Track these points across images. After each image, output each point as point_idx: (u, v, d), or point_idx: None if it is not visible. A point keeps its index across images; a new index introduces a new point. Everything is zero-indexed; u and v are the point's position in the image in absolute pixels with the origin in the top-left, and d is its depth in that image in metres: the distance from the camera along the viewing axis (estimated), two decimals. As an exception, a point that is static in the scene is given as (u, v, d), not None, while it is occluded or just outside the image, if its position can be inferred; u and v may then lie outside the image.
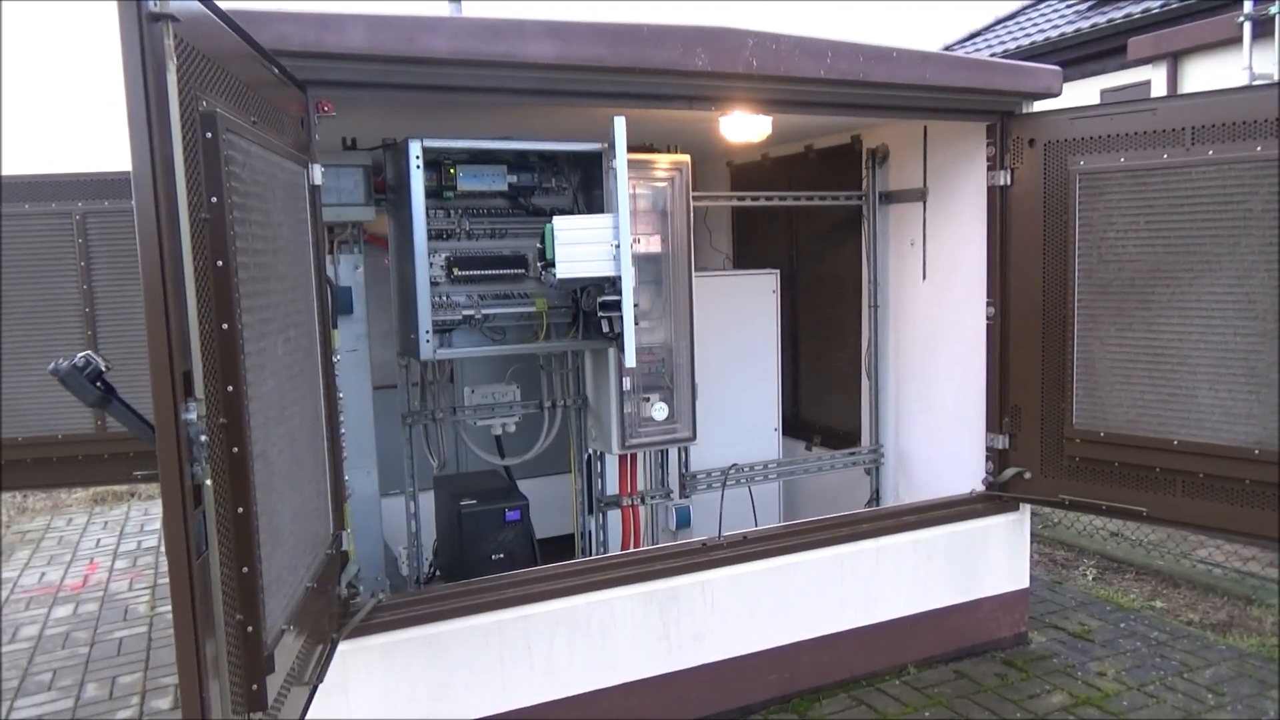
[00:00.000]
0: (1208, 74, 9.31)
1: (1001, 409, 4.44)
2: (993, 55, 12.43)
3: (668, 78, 3.62)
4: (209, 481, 1.81)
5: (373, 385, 4.11)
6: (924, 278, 4.99)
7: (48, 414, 4.96)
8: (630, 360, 3.62)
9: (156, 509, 7.80)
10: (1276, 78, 6.70)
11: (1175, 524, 4.12)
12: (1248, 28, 6.90)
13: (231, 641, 1.97)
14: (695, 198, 4.51)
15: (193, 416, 1.77)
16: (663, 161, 4.32)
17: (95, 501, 8.28)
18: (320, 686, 2.86)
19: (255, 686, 2.04)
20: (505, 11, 3.38)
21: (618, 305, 3.65)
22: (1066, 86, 4.45)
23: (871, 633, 4.36)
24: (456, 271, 4.00)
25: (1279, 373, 3.52)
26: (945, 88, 4.09)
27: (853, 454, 5.34)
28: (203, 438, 1.78)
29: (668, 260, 4.37)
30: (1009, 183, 4.31)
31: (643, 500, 4.74)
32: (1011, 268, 4.34)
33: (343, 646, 3.26)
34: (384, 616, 3.40)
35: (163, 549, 6.49)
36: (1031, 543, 4.91)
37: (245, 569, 2.02)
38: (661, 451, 4.78)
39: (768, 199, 5.18)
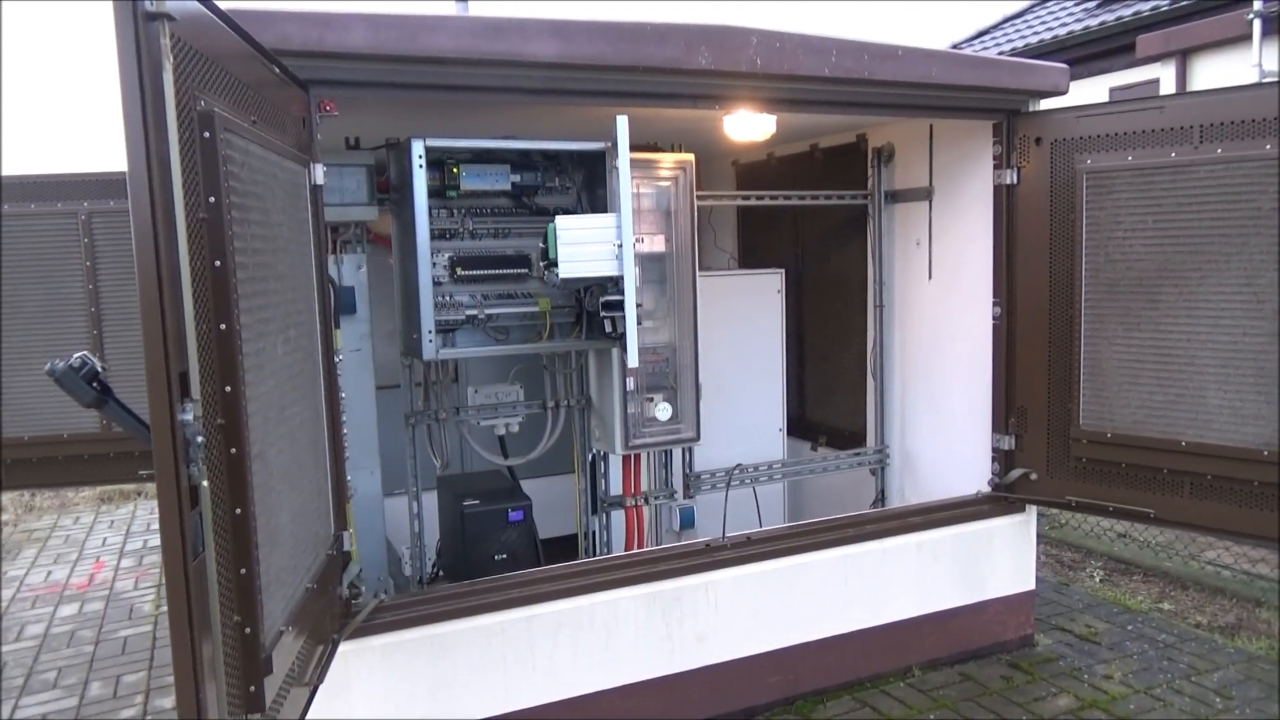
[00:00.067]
0: (1217, 72, 9.25)
1: (1008, 409, 4.41)
2: (1000, 54, 12.38)
3: (671, 76, 3.60)
4: (205, 483, 1.80)
5: (377, 385, 4.10)
6: (930, 277, 4.96)
7: (53, 413, 4.97)
8: (633, 360, 3.60)
9: (163, 508, 7.80)
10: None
11: (1183, 526, 4.09)
12: (1257, 25, 6.86)
13: (229, 643, 1.96)
14: (699, 197, 4.49)
15: (189, 417, 1.76)
16: (666, 161, 4.31)
17: (102, 500, 8.30)
18: (322, 687, 2.86)
19: (253, 688, 2.04)
20: (510, 10, 3.37)
21: (620, 305, 3.64)
22: (1075, 85, 4.41)
23: (876, 634, 4.34)
24: (460, 271, 3.99)
25: (1288, 373, 3.49)
26: (951, 86, 4.06)
27: (858, 454, 5.32)
28: (199, 439, 1.77)
29: (672, 260, 4.36)
30: (1015, 181, 4.28)
31: (646, 501, 4.73)
32: (1018, 267, 4.31)
33: (344, 647, 3.25)
34: (386, 617, 3.39)
35: (168, 548, 6.49)
36: (1038, 544, 4.88)
37: (243, 570, 2.02)
38: (665, 452, 4.77)
39: (772, 198, 5.16)
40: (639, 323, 3.74)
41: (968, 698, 4.24)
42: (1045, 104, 4.34)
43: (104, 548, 6.99)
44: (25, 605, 5.83)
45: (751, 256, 6.37)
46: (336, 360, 3.29)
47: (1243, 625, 4.99)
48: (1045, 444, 4.30)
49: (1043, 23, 13.19)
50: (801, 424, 5.98)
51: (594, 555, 4.71)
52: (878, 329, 5.25)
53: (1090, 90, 10.90)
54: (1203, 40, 9.34)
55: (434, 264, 3.90)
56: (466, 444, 4.67)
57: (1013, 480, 4.43)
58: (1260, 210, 3.51)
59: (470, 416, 4.51)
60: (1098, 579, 5.72)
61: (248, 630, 2.02)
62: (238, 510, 2.01)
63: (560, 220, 3.60)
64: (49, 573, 6.44)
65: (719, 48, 3.60)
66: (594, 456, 4.73)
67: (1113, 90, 10.96)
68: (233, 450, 2.00)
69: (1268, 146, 3.46)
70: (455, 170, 3.95)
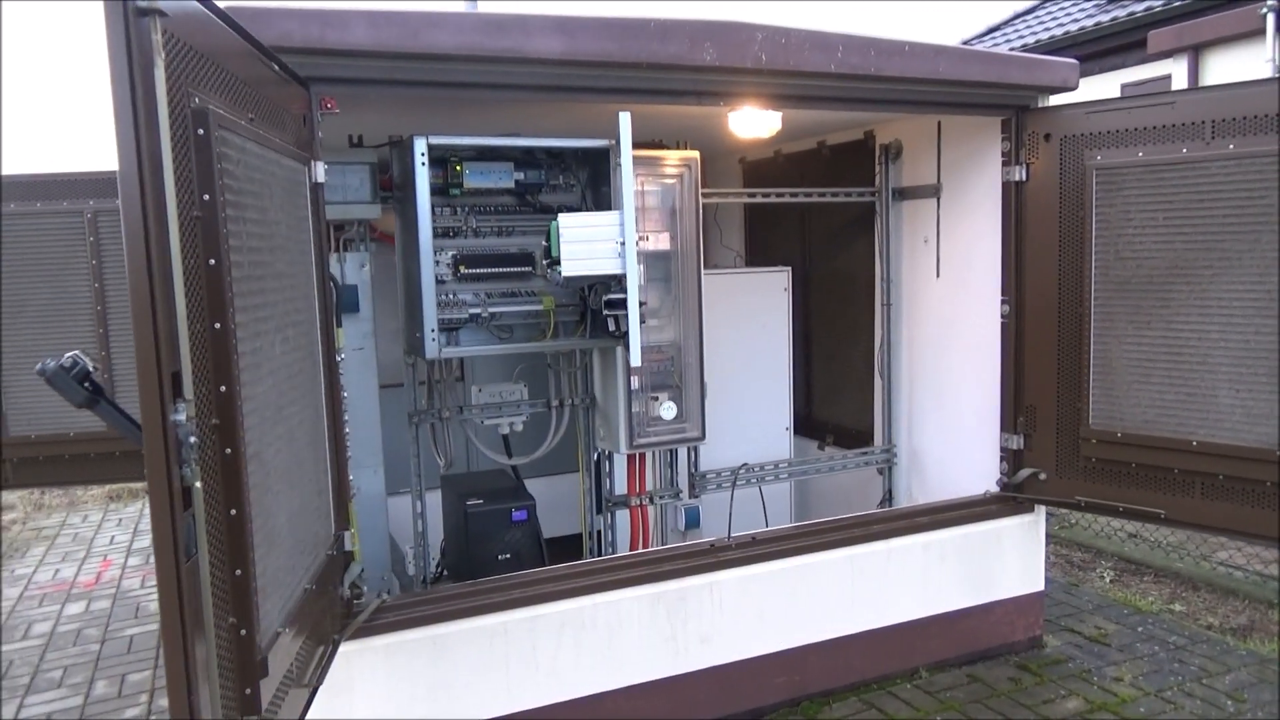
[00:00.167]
0: (1230, 67, 9.16)
1: (1016, 408, 4.36)
2: (1011, 50, 12.29)
3: (675, 73, 3.57)
4: (198, 484, 1.78)
5: (381, 384, 4.08)
6: (938, 275, 4.92)
7: (59, 412, 4.97)
8: (635, 359, 3.57)
9: (170, 506, 7.82)
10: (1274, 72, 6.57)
11: (1194, 527, 4.04)
12: (1271, 19, 6.78)
13: (224, 645, 1.95)
14: (705, 194, 4.46)
15: (182, 418, 1.74)
16: (671, 158, 4.28)
17: (111, 498, 8.32)
18: (324, 687, 2.84)
19: (249, 690, 2.02)
20: (515, 7, 3.35)
21: (623, 303, 3.61)
22: (1086, 81, 4.36)
23: (882, 635, 4.31)
24: (463, 269, 3.97)
25: (1301, 372, 3.44)
26: (959, 82, 4.02)
27: (865, 454, 5.28)
28: (192, 439, 1.76)
29: (676, 258, 4.33)
30: (1024, 178, 4.23)
31: (651, 500, 4.70)
32: (1027, 265, 4.26)
33: (346, 647, 3.24)
34: (388, 617, 3.38)
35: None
36: (1048, 544, 4.83)
37: (238, 571, 2.00)
38: (671, 451, 4.74)
39: (779, 195, 5.12)
40: (643, 321, 3.71)
41: (975, 699, 4.20)
42: (1055, 100, 4.29)
43: (112, 546, 7.00)
44: (32, 603, 5.84)
45: (758, 254, 6.33)
46: (338, 359, 3.27)
47: (1255, 627, 4.93)
48: (1054, 443, 4.25)
49: (1054, 18, 13.10)
50: (808, 423, 5.94)
51: (598, 555, 4.69)
52: (885, 327, 5.20)
53: (1102, 86, 10.82)
54: (1215, 35, 9.25)
55: (437, 262, 3.88)
56: (471, 443, 4.65)
57: (1021, 480, 4.38)
58: (1273, 207, 3.45)
59: (474, 415, 4.49)
60: (1108, 579, 5.66)
61: (243, 632, 2.01)
62: (233, 511, 1.99)
63: (563, 218, 3.57)
64: (56, 570, 6.46)
65: (724, 44, 3.56)
66: (599, 456, 4.70)
67: (1124, 86, 10.87)
68: (228, 450, 1.98)
69: (1281, 142, 3.41)
70: (458, 168, 3.93)
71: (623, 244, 3.56)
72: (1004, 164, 4.31)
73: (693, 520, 5.00)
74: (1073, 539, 6.34)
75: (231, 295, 2.01)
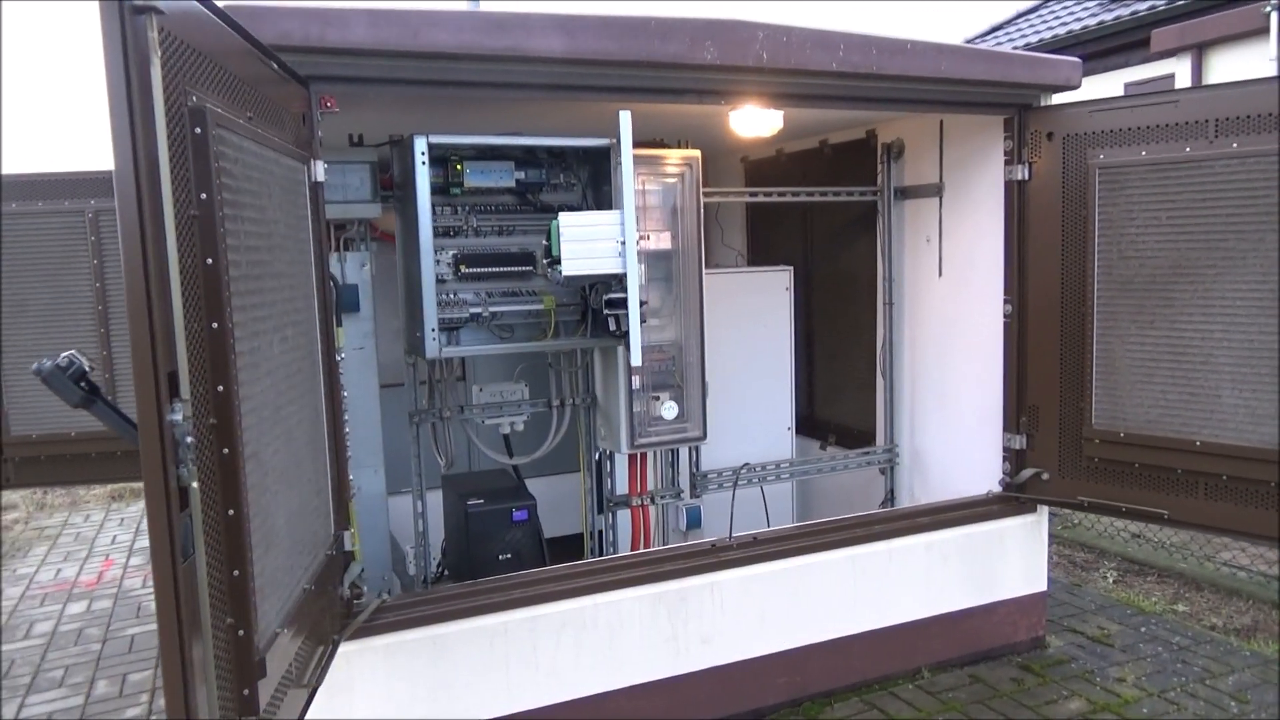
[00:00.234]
0: (1234, 66, 9.13)
1: (1019, 408, 4.35)
2: (1014, 49, 12.26)
3: (676, 71, 3.56)
4: (195, 484, 1.77)
5: (383, 383, 4.07)
6: (940, 274, 4.90)
7: (61, 411, 4.95)
8: (636, 359, 3.56)
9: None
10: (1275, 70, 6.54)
11: (1198, 527, 4.02)
12: (1274, 18, 6.76)
13: (222, 646, 1.94)
14: (706, 193, 4.45)
15: (178, 418, 1.73)
16: (672, 157, 4.27)
17: (113, 498, 8.33)
18: (324, 687, 2.84)
19: (247, 691, 2.01)
20: (516, 5, 3.34)
21: (624, 303, 3.60)
22: (1089, 80, 4.35)
23: (884, 636, 4.29)
24: (464, 269, 3.96)
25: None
26: (961, 80, 4.00)
27: (867, 454, 5.27)
28: (189, 439, 1.75)
29: (678, 257, 4.32)
30: (1027, 177, 4.22)
31: (653, 500, 4.69)
32: (1029, 264, 4.25)
33: (346, 647, 3.23)
34: (388, 617, 3.37)
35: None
36: (1050, 544, 4.81)
37: (236, 572, 1.99)
38: (672, 451, 4.73)
39: (780, 194, 5.11)
40: (644, 321, 3.70)
41: (977, 700, 4.19)
42: (1058, 99, 4.27)
43: (114, 545, 7.01)
44: (34, 603, 5.85)
45: (760, 254, 6.32)
46: (338, 359, 3.27)
47: (1259, 627, 4.91)
48: (1057, 443, 4.23)
49: (1057, 18, 13.06)
50: (810, 423, 5.93)
51: (599, 555, 4.68)
52: (887, 327, 5.19)
53: (1105, 86, 10.79)
54: (1219, 34, 9.22)
55: (438, 261, 3.87)
56: (472, 443, 4.65)
57: (1024, 480, 4.37)
58: (1276, 206, 3.43)
59: (475, 415, 4.48)
60: (1111, 580, 5.64)
61: (241, 633, 2.00)
62: (231, 511, 1.99)
63: (563, 217, 3.56)
64: (59, 570, 6.46)
65: (725, 42, 3.55)
66: (600, 455, 4.70)
67: (1128, 86, 10.84)
68: (225, 450, 1.98)
69: (1285, 140, 3.39)
70: (459, 167, 3.92)
71: (623, 243, 3.55)
72: (1006, 163, 4.30)
73: (694, 520, 5.00)
74: (1076, 539, 6.32)
75: (229, 295, 2.00)
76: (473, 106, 3.92)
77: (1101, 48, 11.25)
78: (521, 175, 4.06)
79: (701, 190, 4.32)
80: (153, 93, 1.71)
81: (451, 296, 3.94)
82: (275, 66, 2.71)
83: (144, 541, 7.06)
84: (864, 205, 5.27)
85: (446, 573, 4.58)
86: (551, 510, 4.77)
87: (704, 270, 4.37)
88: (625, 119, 3.50)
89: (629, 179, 3.56)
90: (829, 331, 5.83)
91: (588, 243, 3.54)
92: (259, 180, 2.32)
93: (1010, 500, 4.46)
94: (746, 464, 4.96)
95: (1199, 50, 9.56)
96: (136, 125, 1.66)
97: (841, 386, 5.76)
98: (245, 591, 2.01)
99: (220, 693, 1.92)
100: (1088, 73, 4.29)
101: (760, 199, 5.23)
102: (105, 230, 5.02)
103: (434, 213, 3.82)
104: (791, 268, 5.53)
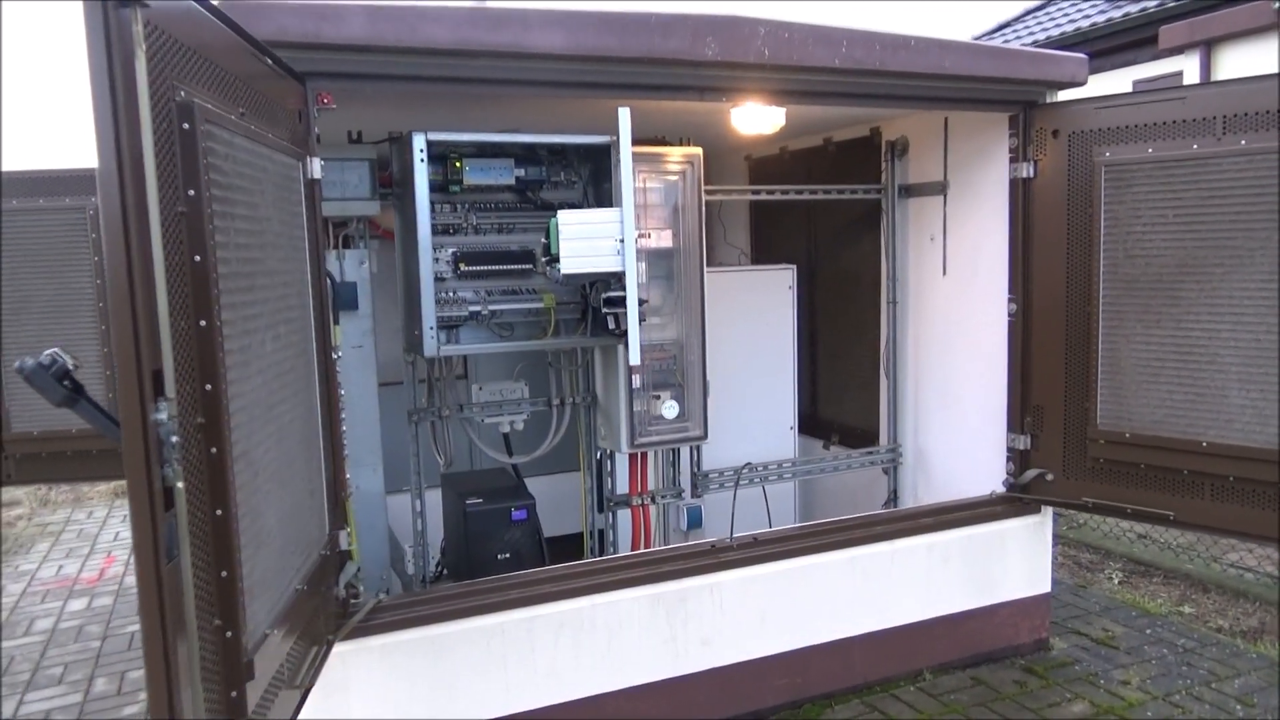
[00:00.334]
0: (1243, 63, 9.05)
1: (1023, 408, 4.31)
2: (1022, 46, 12.18)
3: (676, 68, 3.53)
4: (181, 484, 1.75)
5: (383, 381, 4.05)
6: (944, 273, 4.86)
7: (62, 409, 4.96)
8: (634, 358, 3.53)
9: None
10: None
11: (1204, 529, 3.98)
12: (1285, 15, 6.67)
13: (209, 648, 1.92)
14: (708, 191, 4.41)
15: (163, 417, 1.71)
16: (674, 154, 4.23)
17: (116, 495, 8.33)
18: (320, 687, 2.82)
19: (235, 694, 1.99)
20: (518, 1, 3.31)
21: (622, 301, 3.57)
22: (1098, 78, 4.30)
23: (886, 638, 4.26)
24: (463, 267, 3.94)
25: (1314, 373, 3.37)
26: (965, 77, 3.96)
27: (870, 453, 5.23)
28: (174, 439, 1.72)
29: (679, 255, 4.29)
30: (1032, 175, 4.17)
31: (653, 500, 4.66)
32: (1034, 263, 4.20)
33: (342, 647, 3.21)
34: (384, 617, 3.35)
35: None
36: (1056, 544, 4.78)
37: (224, 573, 1.97)
38: (673, 450, 4.70)
39: (783, 192, 5.07)
40: (644, 319, 3.67)
41: (979, 702, 4.15)
42: (1063, 95, 4.22)
43: (116, 542, 7.01)
44: (35, 599, 5.85)
45: (764, 252, 6.28)
46: (335, 357, 3.24)
47: (1266, 630, 4.86)
48: (1061, 444, 4.19)
49: (1064, 14, 12.98)
50: (813, 422, 5.89)
51: (599, 555, 4.65)
52: (891, 326, 5.15)
53: (1113, 83, 10.72)
54: (1228, 30, 9.14)
55: (437, 259, 3.85)
56: (472, 441, 4.62)
57: (1028, 481, 4.32)
58: (1285, 204, 3.39)
59: (474, 414, 4.45)
60: (1116, 581, 5.60)
61: (229, 635, 1.98)
62: (219, 511, 1.96)
63: (562, 214, 3.54)
64: (60, 567, 6.46)
65: (726, 39, 3.52)
66: (600, 455, 4.67)
67: (1136, 83, 10.76)
68: (213, 450, 1.95)
69: (1293, 138, 3.34)
70: (458, 164, 3.90)
71: (622, 241, 3.51)
72: (1011, 160, 4.25)
73: (695, 520, 4.97)
74: (1081, 539, 6.27)
75: (218, 292, 1.98)
76: (472, 103, 3.89)
77: (1110, 45, 11.18)
78: (521, 173, 4.03)
79: (703, 188, 4.29)
80: (137, 87, 1.68)
81: (451, 294, 3.92)
82: (270, 62, 2.68)
83: (146, 539, 7.06)
84: (868, 203, 5.23)
85: (445, 572, 4.56)
86: (551, 510, 4.75)
87: (706, 268, 4.34)
88: (624, 116, 3.47)
89: (628, 177, 3.53)
90: (832, 330, 5.79)
91: (587, 241, 3.52)
92: (251, 177, 2.29)
93: (1014, 501, 4.42)
94: (748, 464, 4.93)
95: (1207, 47, 9.48)
96: (120, 120, 1.63)
97: (845, 385, 5.72)
98: (233, 592, 1.98)
99: (207, 695, 1.89)
100: (1096, 70, 4.24)
101: (763, 197, 5.20)
102: (106, 228, 5.01)
103: (433, 210, 3.80)
104: (795, 266, 5.50)
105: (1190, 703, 4.12)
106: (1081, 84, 4.19)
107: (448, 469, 4.53)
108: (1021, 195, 4.21)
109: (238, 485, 2.04)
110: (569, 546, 4.87)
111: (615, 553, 4.61)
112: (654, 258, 4.24)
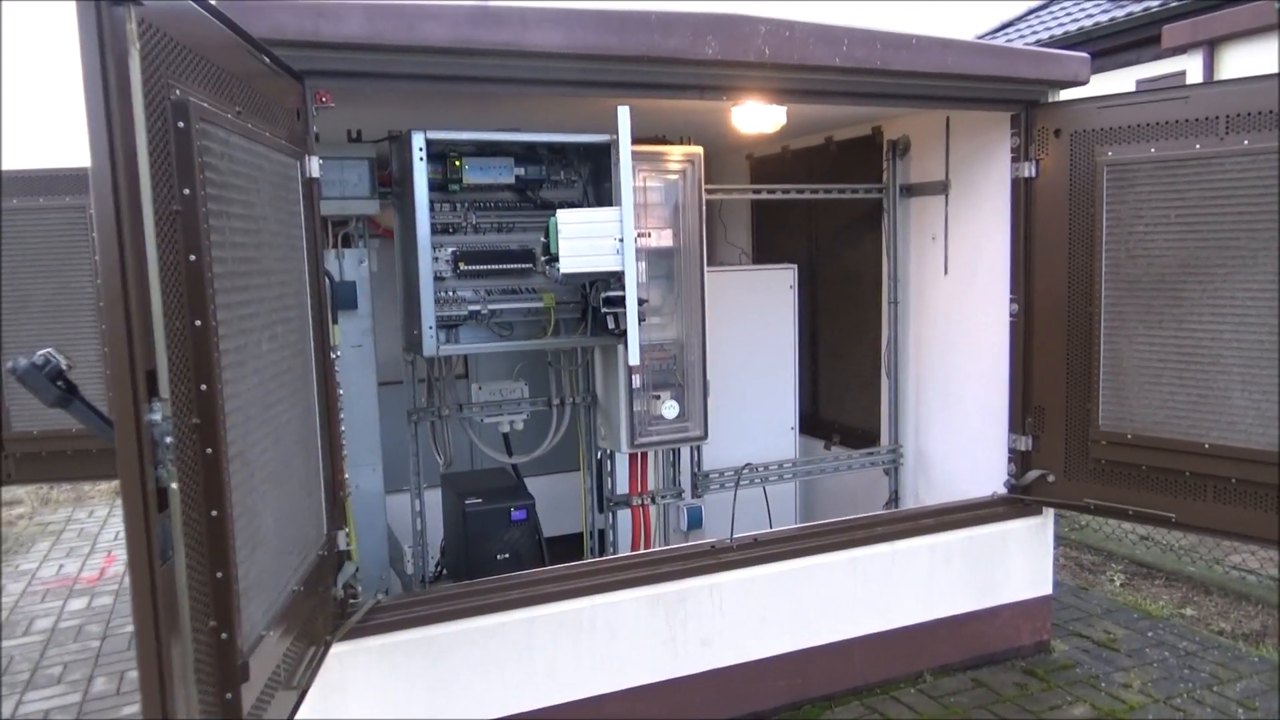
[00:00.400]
0: (1246, 62, 9.03)
1: (1025, 409, 4.29)
2: (1024, 45, 12.16)
3: (676, 67, 3.51)
4: (175, 485, 1.74)
5: (382, 381, 4.04)
6: (945, 273, 4.84)
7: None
8: (634, 358, 3.52)
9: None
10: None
11: (1206, 531, 3.96)
12: (1289, 14, 6.65)
13: (204, 649, 1.91)
14: (708, 190, 4.40)
15: (157, 417, 1.70)
16: (674, 153, 4.22)
17: (117, 494, 8.27)
18: (318, 688, 2.81)
19: (229, 695, 1.98)
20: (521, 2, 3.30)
21: (622, 300, 3.56)
22: (1100, 78, 4.29)
23: (886, 639, 4.24)
24: (463, 266, 3.93)
25: (1317, 374, 3.35)
26: (967, 76, 3.95)
27: (871, 454, 5.21)
28: (168, 439, 1.71)
29: (679, 255, 4.27)
30: (1034, 174, 4.16)
31: (653, 500, 4.65)
32: (1036, 263, 4.19)
33: (340, 648, 3.20)
34: (382, 618, 3.33)
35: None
36: (1057, 546, 4.76)
37: (219, 574, 1.96)
38: (673, 450, 4.69)
39: (784, 192, 5.06)
40: (643, 319, 3.66)
41: (980, 705, 4.14)
42: (1065, 95, 4.21)
43: (116, 541, 7.00)
44: (35, 599, 5.84)
45: (765, 251, 6.27)
46: (334, 356, 3.23)
47: (1268, 633, 4.84)
48: (1063, 445, 4.17)
49: (1067, 14, 12.95)
50: (814, 422, 5.88)
51: (599, 555, 4.64)
52: (892, 326, 5.13)
53: (1116, 83, 10.68)
54: (1231, 30, 9.12)
55: (436, 259, 3.84)
56: (471, 441, 4.61)
57: (1029, 482, 4.31)
58: (1289, 204, 3.37)
59: (474, 413, 4.44)
60: (1118, 583, 5.58)
61: (224, 636, 1.97)
62: (214, 512, 1.95)
63: (561, 214, 3.52)
64: (60, 566, 6.46)
65: (726, 37, 3.50)
66: (600, 455, 4.66)
67: (1139, 83, 10.73)
68: (208, 450, 1.94)
69: (1297, 138, 3.33)
70: (458, 163, 3.88)
71: (622, 240, 3.50)
72: (1013, 160, 4.24)
73: (695, 521, 4.95)
74: (1083, 541, 6.25)
75: (213, 291, 1.97)
76: (471, 102, 3.88)
77: (1113, 44, 11.15)
78: (521, 172, 4.02)
79: (703, 187, 4.28)
80: (131, 86, 1.67)
81: (450, 294, 3.91)
82: (267, 61, 2.67)
83: (147, 538, 7.06)
84: (869, 203, 5.21)
85: (445, 572, 4.55)
86: (551, 510, 4.74)
87: (706, 268, 4.32)
88: (624, 115, 3.46)
89: (627, 176, 3.52)
90: (833, 330, 5.77)
91: (586, 240, 3.50)
92: (248, 176, 2.28)
93: (1015, 502, 4.40)
94: (749, 464, 4.91)
95: (1211, 46, 9.46)
96: (114, 119, 1.63)
97: (846, 386, 5.70)
98: (229, 593, 1.97)
99: (202, 696, 1.88)
100: (1099, 70, 4.23)
101: (764, 196, 5.18)
102: (107, 226, 5.00)
103: (432, 209, 3.79)
104: (796, 266, 5.48)
105: (1192, 706, 4.10)
106: (1084, 83, 4.17)
107: (447, 469, 4.53)
108: (1023, 195, 4.20)
109: (233, 486, 2.03)
110: (569, 547, 4.86)
111: (615, 553, 4.60)
112: (654, 257, 4.23)
